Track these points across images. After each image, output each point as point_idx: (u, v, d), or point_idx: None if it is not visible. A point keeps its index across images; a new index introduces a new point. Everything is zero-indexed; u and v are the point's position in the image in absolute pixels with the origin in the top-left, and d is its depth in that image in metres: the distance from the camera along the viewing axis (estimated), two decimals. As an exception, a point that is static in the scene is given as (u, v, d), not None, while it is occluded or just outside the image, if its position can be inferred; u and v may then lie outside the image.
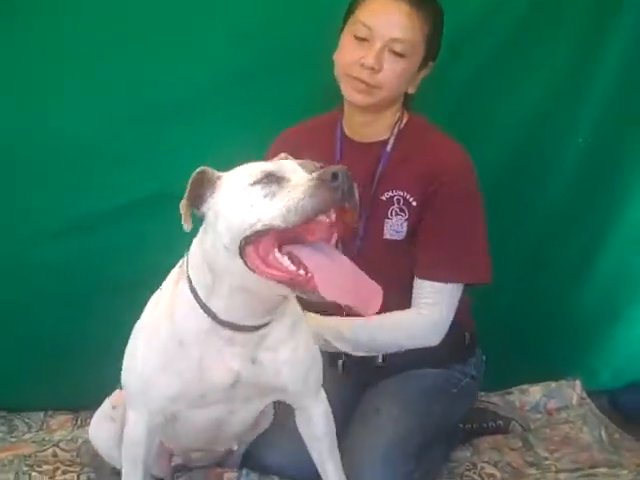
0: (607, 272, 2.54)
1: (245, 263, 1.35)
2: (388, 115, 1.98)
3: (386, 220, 1.95)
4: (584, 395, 2.47)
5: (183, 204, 1.40)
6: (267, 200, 1.32)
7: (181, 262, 1.54)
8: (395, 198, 1.94)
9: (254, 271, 1.34)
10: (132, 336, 1.61)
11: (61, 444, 2.19)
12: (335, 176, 1.26)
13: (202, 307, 1.46)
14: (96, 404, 2.03)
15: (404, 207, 1.93)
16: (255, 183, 1.35)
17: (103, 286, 2.31)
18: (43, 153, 2.21)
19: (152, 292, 1.66)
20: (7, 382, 2.39)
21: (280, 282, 1.33)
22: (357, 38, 1.88)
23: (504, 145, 2.38)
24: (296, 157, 1.89)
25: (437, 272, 1.92)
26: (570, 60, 2.33)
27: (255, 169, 1.38)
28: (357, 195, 1.30)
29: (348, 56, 1.90)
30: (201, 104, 2.24)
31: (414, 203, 1.93)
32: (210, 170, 1.43)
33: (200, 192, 1.42)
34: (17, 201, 2.26)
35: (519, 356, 2.49)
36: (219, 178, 1.43)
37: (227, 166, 1.46)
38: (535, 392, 2.48)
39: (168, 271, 1.60)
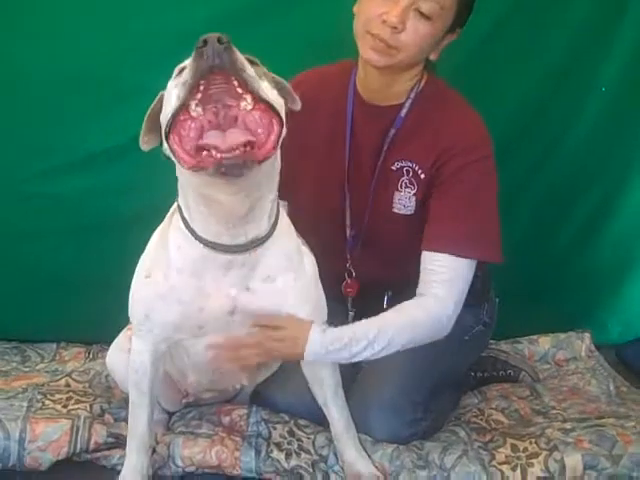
0: (623, 227, 2.53)
1: (177, 160, 1.36)
2: (405, 79, 1.82)
3: (395, 192, 1.86)
4: (593, 347, 2.48)
5: (143, 128, 1.47)
6: (177, 90, 1.33)
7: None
8: (405, 169, 1.85)
9: (183, 166, 1.34)
10: (138, 266, 1.64)
11: (74, 375, 2.21)
12: (204, 42, 1.25)
13: (191, 233, 1.49)
14: (108, 338, 2.08)
15: (413, 179, 1.84)
16: (172, 79, 1.38)
17: (112, 220, 2.34)
18: (49, 88, 2.20)
19: (154, 229, 1.68)
20: (20, 313, 2.43)
21: (202, 170, 1.32)
22: None
23: (526, 95, 2.35)
24: (305, 109, 1.73)
25: (447, 245, 1.77)
26: (593, 10, 2.27)
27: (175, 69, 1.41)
28: (243, 64, 1.29)
29: (369, 10, 1.71)
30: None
31: (422, 176, 1.83)
32: None
33: None
34: (24, 136, 2.26)
35: (530, 305, 2.50)
36: None
37: None
38: (544, 342, 2.49)
39: (170, 206, 1.62)
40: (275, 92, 1.39)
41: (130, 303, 1.64)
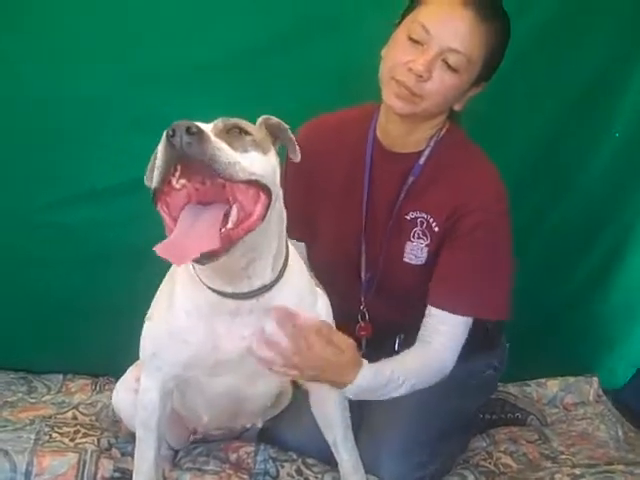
0: (634, 271, 2.52)
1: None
2: (427, 127, 1.82)
3: (407, 242, 1.85)
4: (600, 392, 2.46)
5: (150, 163, 1.44)
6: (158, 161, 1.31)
7: None
8: (419, 220, 1.83)
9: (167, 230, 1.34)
10: (152, 302, 1.64)
11: (80, 407, 2.21)
12: (174, 132, 1.22)
13: (198, 278, 1.48)
14: (115, 371, 2.09)
15: (426, 231, 1.83)
16: (162, 141, 1.32)
17: (121, 251, 2.33)
18: (60, 119, 2.21)
19: (167, 263, 1.67)
20: (27, 343, 2.43)
21: None
22: (411, 39, 1.70)
23: (539, 137, 2.36)
24: (325, 152, 1.90)
25: (456, 304, 1.77)
26: (608, 57, 2.29)
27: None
28: (214, 152, 1.24)
29: (397, 57, 1.71)
30: (219, 74, 2.22)
31: (436, 229, 1.82)
32: None
33: None
34: (35, 166, 2.27)
35: (539, 348, 2.48)
36: None
37: None
38: (552, 386, 2.48)
39: None
40: (265, 159, 1.37)
41: (141, 340, 1.63)
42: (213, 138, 1.26)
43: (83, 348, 2.39)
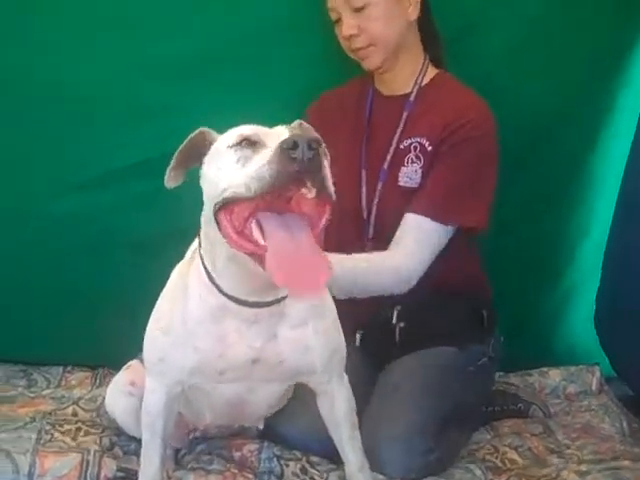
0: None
1: (220, 231, 1.32)
2: (407, 64, 2.03)
3: (402, 168, 1.98)
4: (603, 381, 2.45)
5: (172, 162, 1.40)
6: (239, 165, 1.28)
7: (197, 240, 1.52)
8: (412, 145, 1.98)
9: (226, 240, 1.31)
10: (156, 305, 1.59)
11: (81, 403, 2.18)
12: (295, 145, 1.19)
13: (213, 284, 1.44)
14: (114, 362, 2.09)
15: (420, 154, 1.96)
16: (231, 146, 1.31)
17: (123, 242, 2.33)
18: (61, 108, 2.21)
19: (171, 250, 1.66)
20: (26, 335, 2.41)
21: (247, 254, 1.29)
22: (336, 22, 2.00)
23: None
24: (329, 118, 2.04)
25: (431, 209, 1.91)
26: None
27: (235, 132, 1.34)
28: (326, 172, 1.24)
29: (340, 39, 2.02)
30: (219, 62, 2.23)
31: (429, 148, 1.95)
32: (209, 131, 1.41)
33: (200, 154, 1.40)
34: (37, 155, 2.27)
35: (538, 337, 2.51)
36: (215, 140, 1.40)
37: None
38: (555, 375, 2.47)
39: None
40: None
41: (144, 346, 1.60)
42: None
43: (83, 339, 2.37)
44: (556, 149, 2.35)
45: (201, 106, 2.19)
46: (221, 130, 1.43)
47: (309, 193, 1.24)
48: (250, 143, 1.30)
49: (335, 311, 1.64)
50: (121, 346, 1.99)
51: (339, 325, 1.64)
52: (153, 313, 1.60)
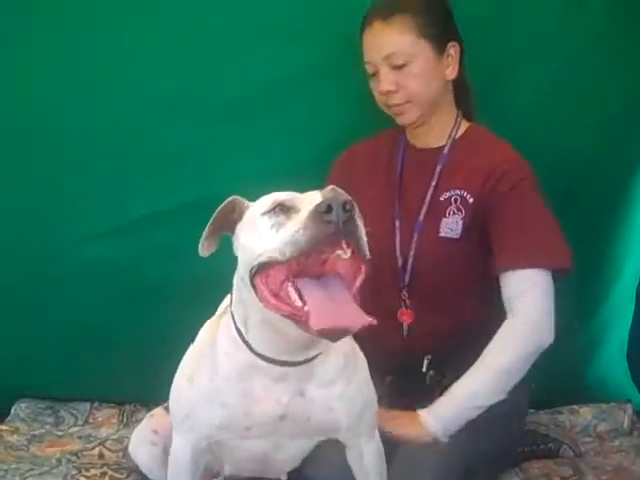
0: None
1: (256, 294, 1.32)
2: (440, 119, 2.01)
3: (443, 219, 1.95)
4: (635, 418, 2.40)
5: (204, 233, 1.41)
6: (273, 231, 1.29)
7: (228, 296, 1.52)
8: (453, 198, 1.95)
9: (263, 304, 1.31)
10: (183, 360, 1.60)
11: (107, 443, 2.21)
12: (329, 208, 1.20)
13: (243, 342, 1.44)
14: (139, 399, 2.19)
15: (461, 206, 1.93)
16: (265, 213, 1.33)
17: (148, 286, 2.32)
18: (92, 152, 2.21)
19: (195, 296, 1.72)
20: (55, 372, 2.43)
21: (285, 316, 1.29)
22: (372, 76, 1.96)
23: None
24: (359, 169, 2.06)
25: (519, 260, 1.86)
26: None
27: (268, 199, 1.36)
28: (361, 233, 1.25)
29: (375, 93, 1.99)
30: (252, 106, 2.20)
31: (471, 200, 1.92)
32: (240, 199, 1.44)
33: (232, 221, 1.43)
34: (63, 203, 2.27)
35: (571, 374, 2.45)
36: (247, 208, 1.42)
37: (274, 176, 1.45)
38: (585, 413, 2.42)
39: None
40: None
41: (171, 401, 1.60)
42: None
43: (110, 376, 2.38)
44: (591, 190, 2.31)
45: (229, 153, 2.22)
46: (249, 186, 1.45)
47: (344, 254, 1.25)
48: (284, 209, 1.31)
49: (366, 371, 1.62)
50: (145, 383, 2.03)
51: (370, 383, 1.62)
52: (180, 367, 1.60)
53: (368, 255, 1.29)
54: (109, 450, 2.16)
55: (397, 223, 2.02)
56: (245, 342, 1.44)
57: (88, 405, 2.48)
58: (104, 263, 2.30)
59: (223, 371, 1.49)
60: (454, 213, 1.94)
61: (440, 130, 2.01)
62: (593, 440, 2.34)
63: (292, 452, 1.69)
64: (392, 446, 1.83)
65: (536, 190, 1.93)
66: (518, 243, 1.87)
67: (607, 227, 2.39)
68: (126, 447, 2.12)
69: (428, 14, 1.92)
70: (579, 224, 2.27)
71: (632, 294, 2.44)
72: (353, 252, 1.26)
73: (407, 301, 2.00)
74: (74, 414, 2.44)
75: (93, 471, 1.99)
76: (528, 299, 1.86)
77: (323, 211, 1.20)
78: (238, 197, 1.44)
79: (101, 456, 2.13)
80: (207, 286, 1.70)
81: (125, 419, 2.40)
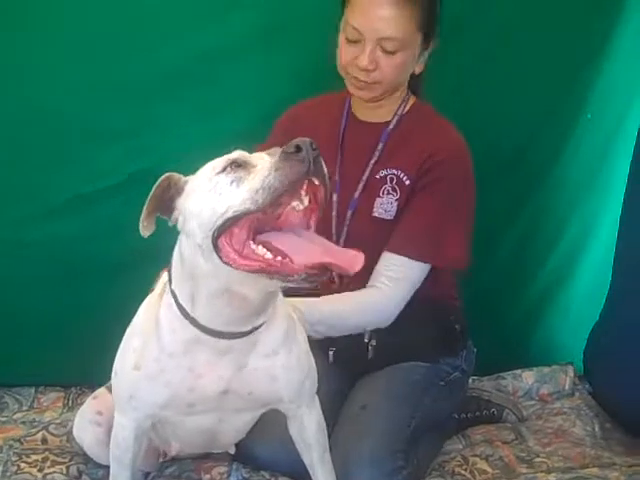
0: (601, 255, 2.49)
1: (220, 258, 1.30)
2: (392, 100, 1.99)
3: (377, 198, 1.95)
4: (577, 380, 2.46)
5: (143, 213, 1.37)
6: (234, 186, 1.28)
7: (165, 274, 1.49)
8: (389, 177, 1.95)
9: (230, 265, 1.29)
10: (123, 341, 1.57)
11: (51, 427, 2.17)
12: (298, 148, 1.21)
13: (187, 318, 1.42)
14: (85, 381, 2.18)
15: (396, 186, 1.94)
16: (220, 172, 1.31)
17: (94, 265, 2.31)
18: (27, 133, 2.19)
19: (141, 274, 1.67)
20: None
21: (256, 272, 1.28)
22: (349, 41, 1.87)
23: (513, 125, 2.35)
24: (299, 131, 1.92)
25: (410, 248, 1.91)
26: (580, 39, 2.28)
27: (218, 161, 1.35)
28: (325, 169, 1.25)
29: (345, 56, 1.89)
30: (188, 81, 2.20)
31: (407, 182, 1.93)
32: (176, 175, 1.41)
33: (168, 198, 1.39)
34: (5, 181, 2.23)
35: (511, 341, 2.50)
36: (185, 182, 1.39)
37: (213, 147, 1.42)
38: (528, 377, 2.47)
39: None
40: None
41: (114, 379, 1.58)
42: None
43: (55, 359, 2.37)
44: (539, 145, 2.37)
45: (169, 127, 2.21)
46: (189, 158, 1.41)
47: (300, 205, 1.27)
48: (239, 165, 1.30)
49: (306, 340, 1.63)
50: (93, 364, 1.96)
51: (310, 352, 1.63)
52: (120, 349, 1.57)
53: (322, 199, 1.29)
54: (52, 435, 2.13)
55: (335, 197, 2.00)
56: (190, 318, 1.42)
57: (33, 390, 2.44)
58: (48, 243, 2.27)
59: (168, 349, 1.46)
60: (388, 193, 1.94)
61: (389, 107, 2.00)
62: (535, 403, 2.39)
63: (236, 425, 1.70)
64: (333, 415, 1.85)
65: (465, 183, 1.95)
66: (417, 232, 1.92)
67: (543, 192, 2.43)
68: (70, 431, 2.13)
69: (429, 11, 1.89)
70: (522, 184, 2.32)
71: (575, 256, 2.50)
72: (312, 208, 1.29)
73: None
74: (18, 399, 2.40)
75: (34, 457, 1.96)
76: (394, 285, 1.92)
77: (293, 151, 1.21)
78: (173, 173, 1.41)
79: (44, 441, 2.09)
80: (150, 263, 1.66)
81: (70, 402, 2.37)
